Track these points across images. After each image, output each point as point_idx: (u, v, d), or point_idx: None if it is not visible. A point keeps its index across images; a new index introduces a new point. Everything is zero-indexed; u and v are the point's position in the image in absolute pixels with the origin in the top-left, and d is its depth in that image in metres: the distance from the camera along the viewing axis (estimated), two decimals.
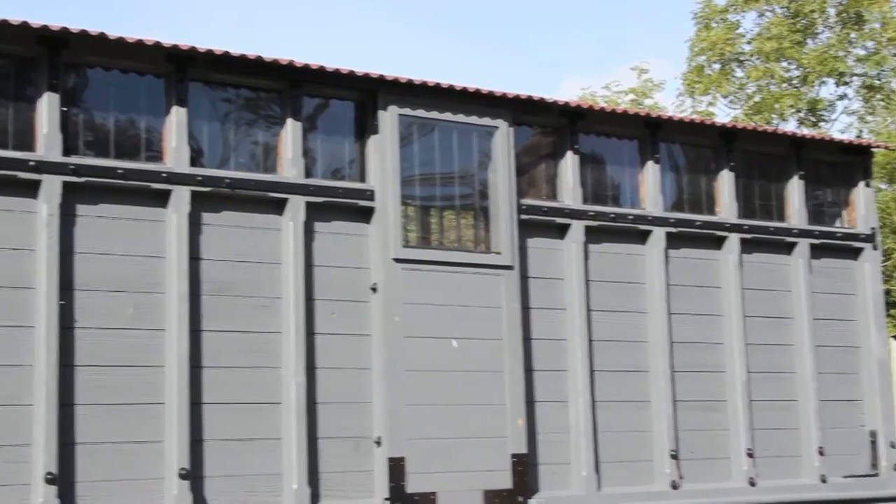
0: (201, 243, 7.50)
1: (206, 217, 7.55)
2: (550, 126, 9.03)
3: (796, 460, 9.71)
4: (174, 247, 7.35)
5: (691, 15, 27.01)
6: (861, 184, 10.49)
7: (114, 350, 7.14)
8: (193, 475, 7.21)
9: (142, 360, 7.21)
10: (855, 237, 10.32)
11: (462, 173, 8.52)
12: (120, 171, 7.26)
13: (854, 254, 10.35)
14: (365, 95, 8.22)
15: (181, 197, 7.40)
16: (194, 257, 7.44)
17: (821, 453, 9.69)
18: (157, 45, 7.38)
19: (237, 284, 7.59)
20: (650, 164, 9.32)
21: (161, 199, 7.40)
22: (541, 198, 8.90)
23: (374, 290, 8.01)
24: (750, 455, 9.35)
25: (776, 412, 9.65)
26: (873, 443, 10.09)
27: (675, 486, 8.94)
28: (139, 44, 7.32)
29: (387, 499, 7.76)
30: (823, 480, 9.66)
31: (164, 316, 7.30)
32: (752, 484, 9.30)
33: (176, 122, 7.47)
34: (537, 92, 8.75)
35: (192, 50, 7.47)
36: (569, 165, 8.94)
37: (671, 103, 32.29)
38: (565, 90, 53.41)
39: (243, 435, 7.47)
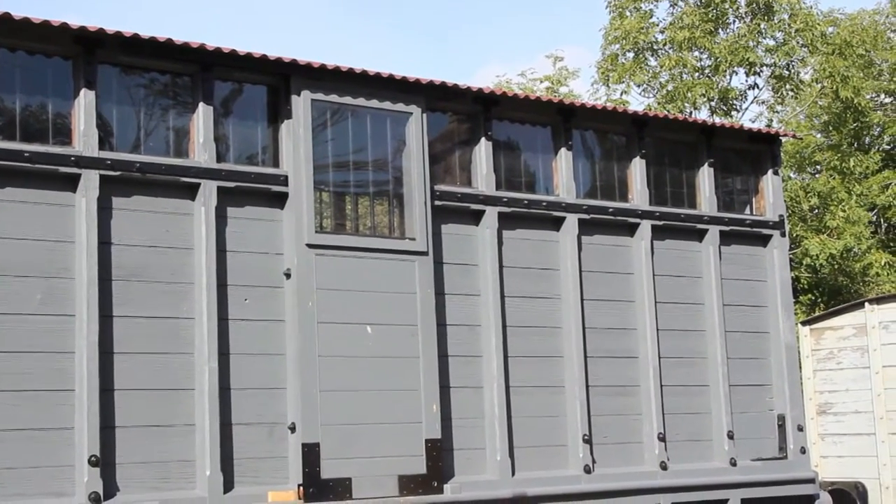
0: (112, 228, 7.40)
1: (117, 201, 7.44)
2: (464, 112, 9.03)
3: (707, 444, 9.84)
4: (83, 231, 7.23)
5: (605, 3, 27.22)
6: (770, 172, 10.63)
7: (22, 336, 7.02)
8: (104, 462, 7.11)
9: (51, 345, 7.09)
10: (764, 224, 10.47)
11: (376, 159, 8.49)
12: (27, 154, 7.12)
13: (763, 241, 10.51)
14: (278, 80, 8.15)
15: (90, 181, 7.28)
16: (104, 242, 7.33)
17: (730, 437, 9.83)
18: (65, 27, 7.24)
19: (148, 270, 7.50)
20: (563, 151, 9.37)
21: (70, 182, 7.28)
22: (455, 184, 8.90)
23: (287, 275, 7.96)
24: (661, 439, 9.46)
25: (687, 397, 9.77)
26: (781, 426, 10.25)
27: (588, 471, 9.01)
28: (45, 24, 7.17)
29: (301, 485, 7.72)
30: (733, 463, 9.80)
31: (73, 301, 7.18)
32: (664, 467, 9.41)
33: (84, 105, 7.34)
34: (454, 79, 8.76)
35: (101, 32, 7.35)
36: (482, 152, 8.96)
37: (586, 91, 32.57)
38: (481, 78, 53.56)
39: (155, 421, 7.38)
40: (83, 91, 7.35)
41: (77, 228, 7.26)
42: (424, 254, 8.44)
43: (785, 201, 10.86)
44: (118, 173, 7.41)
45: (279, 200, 8.04)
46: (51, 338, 7.11)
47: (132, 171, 7.47)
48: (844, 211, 25.67)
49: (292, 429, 7.82)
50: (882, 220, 29.88)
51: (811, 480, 10.20)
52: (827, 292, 26.92)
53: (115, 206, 7.44)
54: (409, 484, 8.11)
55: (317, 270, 7.98)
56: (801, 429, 10.34)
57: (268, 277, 7.94)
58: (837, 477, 13.74)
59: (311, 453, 7.76)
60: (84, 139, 7.32)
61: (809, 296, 26.64)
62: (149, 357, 7.42)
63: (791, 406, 10.29)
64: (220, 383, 7.57)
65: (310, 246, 7.98)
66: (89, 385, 7.10)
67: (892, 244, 29.63)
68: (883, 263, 26.02)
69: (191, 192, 7.72)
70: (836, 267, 26.32)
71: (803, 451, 10.28)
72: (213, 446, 7.48)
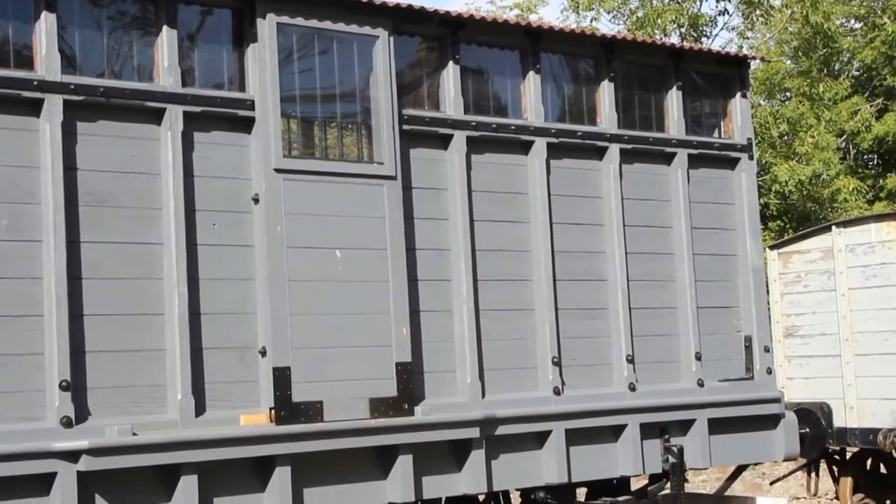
0: (77, 153, 7.34)
1: (81, 126, 7.37)
2: (431, 36, 8.96)
3: (675, 365, 9.93)
4: (48, 157, 7.18)
5: None
6: (738, 95, 10.63)
7: None
8: (75, 387, 7.13)
9: (18, 271, 7.06)
10: (732, 147, 10.50)
11: (343, 83, 8.44)
12: None
13: (731, 164, 10.53)
14: (243, 4, 8.06)
15: (54, 105, 7.21)
16: (70, 167, 7.28)
17: (698, 358, 9.93)
18: None
19: (115, 195, 7.45)
20: (531, 75, 9.34)
21: (33, 107, 7.21)
22: (423, 108, 8.87)
23: (255, 200, 7.94)
24: (630, 361, 9.54)
25: (656, 319, 9.84)
26: (748, 348, 10.35)
27: (557, 392, 9.09)
28: None
29: (272, 408, 7.77)
30: (701, 384, 9.91)
31: (39, 227, 7.15)
32: (633, 388, 9.50)
33: (46, 29, 7.24)
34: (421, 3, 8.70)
35: None
36: (450, 76, 8.91)
37: (556, 18, 32.37)
38: (451, 5, 53.13)
39: (126, 346, 7.39)
40: (44, 14, 7.25)
41: (42, 154, 7.19)
42: (393, 178, 8.43)
43: (754, 127, 10.89)
44: (82, 98, 7.34)
45: (246, 125, 7.99)
46: (18, 263, 7.07)
47: (96, 96, 7.40)
48: (813, 137, 25.75)
49: (263, 353, 7.85)
50: (851, 146, 30.03)
51: (777, 400, 10.33)
52: (796, 218, 27.10)
53: (80, 131, 7.37)
54: (380, 406, 8.18)
55: (285, 195, 7.96)
56: (767, 350, 10.46)
57: (236, 202, 7.91)
58: (804, 398, 13.94)
59: (281, 377, 7.80)
60: (46, 63, 7.24)
61: (778, 222, 26.81)
62: (118, 282, 7.41)
63: (758, 327, 10.39)
64: (189, 308, 7.58)
65: (277, 171, 7.95)
66: (58, 310, 7.09)
67: (860, 170, 29.82)
68: (851, 189, 26.19)
69: (156, 116, 7.65)
70: (804, 193, 26.48)
71: (769, 371, 10.40)
72: (184, 371, 7.50)
